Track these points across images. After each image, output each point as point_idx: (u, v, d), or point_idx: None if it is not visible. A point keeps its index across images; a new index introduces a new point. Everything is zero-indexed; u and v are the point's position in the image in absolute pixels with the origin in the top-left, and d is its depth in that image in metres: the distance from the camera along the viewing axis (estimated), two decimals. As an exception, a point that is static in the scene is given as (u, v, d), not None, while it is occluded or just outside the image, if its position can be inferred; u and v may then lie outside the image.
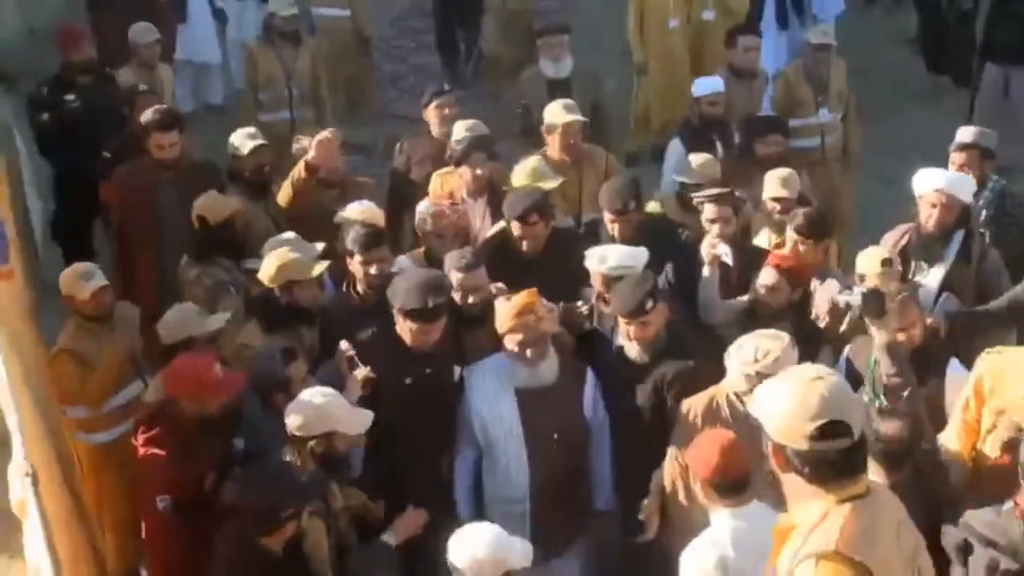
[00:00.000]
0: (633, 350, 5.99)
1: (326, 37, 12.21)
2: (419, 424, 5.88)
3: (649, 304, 5.84)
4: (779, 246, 7.29)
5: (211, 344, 6.45)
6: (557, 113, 8.15)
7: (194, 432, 5.82)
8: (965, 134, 7.70)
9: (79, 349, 6.64)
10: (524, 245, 6.92)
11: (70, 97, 9.30)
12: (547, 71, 9.68)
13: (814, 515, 3.47)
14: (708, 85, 9.16)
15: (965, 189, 7.06)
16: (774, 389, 3.54)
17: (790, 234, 6.93)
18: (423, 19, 14.52)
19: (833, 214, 7.96)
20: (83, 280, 6.69)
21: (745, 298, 6.78)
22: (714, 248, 6.91)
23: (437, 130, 8.58)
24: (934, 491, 5.09)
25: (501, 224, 7.20)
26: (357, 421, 5.58)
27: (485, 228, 7.73)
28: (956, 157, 7.56)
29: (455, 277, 6.17)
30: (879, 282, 6.31)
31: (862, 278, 6.49)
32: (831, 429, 3.30)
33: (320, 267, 6.79)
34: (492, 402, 5.71)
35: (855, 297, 5.68)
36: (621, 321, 6.00)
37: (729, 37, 10.01)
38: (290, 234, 7.01)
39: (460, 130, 7.95)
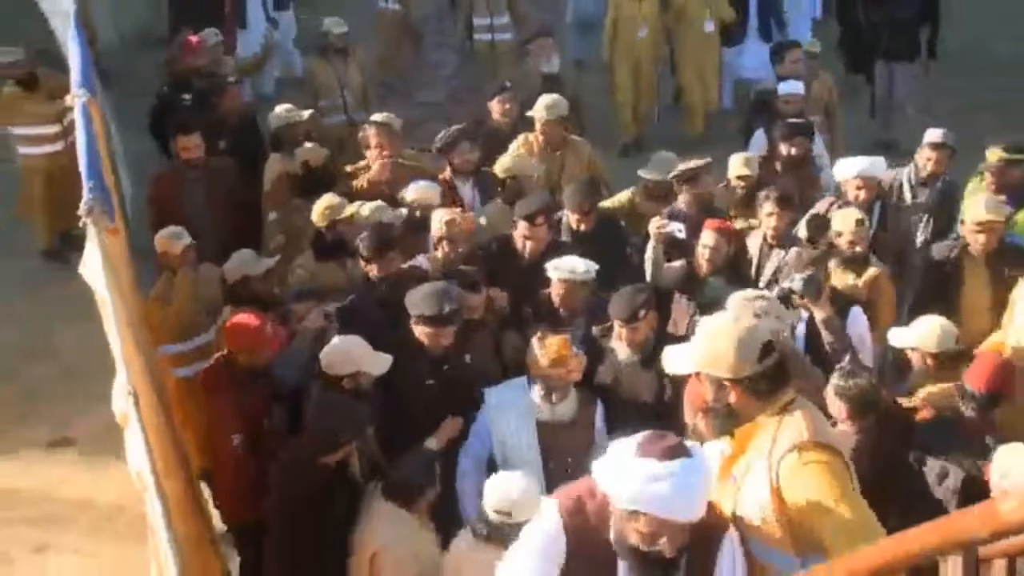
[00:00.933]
0: (623, 352, 6.13)
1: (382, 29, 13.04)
2: (437, 419, 5.94)
3: (642, 312, 6.02)
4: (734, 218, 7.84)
5: (264, 280, 7.06)
6: (540, 109, 8.61)
7: (248, 379, 6.20)
8: (935, 135, 8.25)
9: (167, 297, 7.20)
10: (527, 247, 7.10)
11: (186, 96, 9.91)
12: (541, 67, 10.45)
13: (770, 423, 3.81)
14: (790, 87, 9.45)
15: (879, 169, 7.89)
16: (710, 343, 3.88)
17: (767, 206, 7.21)
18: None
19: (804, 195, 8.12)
20: (175, 239, 7.29)
21: (683, 261, 7.15)
22: (660, 227, 7.19)
23: (499, 119, 9.22)
24: (892, 433, 5.40)
25: (502, 234, 7.42)
26: (378, 362, 5.91)
27: (475, 203, 8.37)
28: (928, 153, 8.25)
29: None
30: (854, 237, 6.97)
31: (839, 234, 7.05)
32: (767, 349, 3.74)
33: (352, 208, 7.48)
34: (513, 429, 5.71)
35: (797, 283, 6.14)
36: (616, 324, 6.13)
37: (776, 51, 10.40)
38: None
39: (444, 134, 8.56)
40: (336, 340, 6.06)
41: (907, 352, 6.20)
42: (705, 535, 3.62)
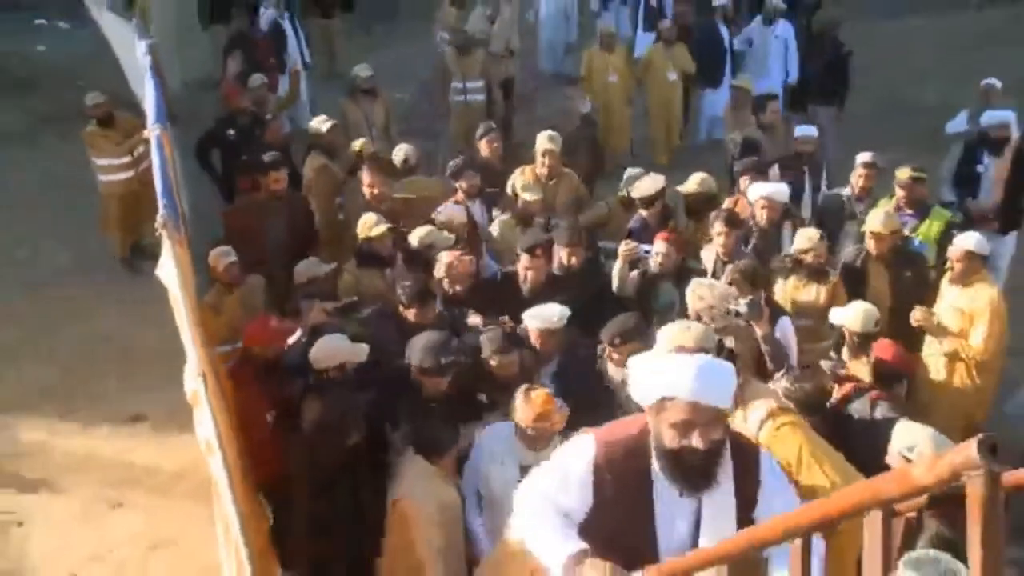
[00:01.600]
0: (615, 371, 5.99)
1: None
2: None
3: (628, 336, 5.89)
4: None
5: (325, 280, 7.30)
6: (543, 142, 8.81)
7: (264, 368, 6.41)
8: (865, 156, 8.60)
9: (218, 307, 7.47)
10: (528, 277, 6.98)
11: (231, 132, 10.23)
12: (579, 108, 10.86)
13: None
14: (805, 130, 9.52)
15: (783, 195, 8.02)
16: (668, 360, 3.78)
17: (716, 226, 7.31)
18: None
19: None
20: (223, 256, 7.57)
21: (635, 271, 7.25)
22: (628, 249, 7.27)
23: (488, 155, 9.41)
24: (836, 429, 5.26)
25: (506, 269, 7.35)
26: (357, 351, 6.10)
27: (484, 221, 8.59)
28: (860, 171, 8.55)
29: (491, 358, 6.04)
30: (818, 250, 7.19)
31: (806, 251, 7.23)
32: (721, 347, 4.05)
33: (380, 229, 7.56)
34: (498, 471, 5.40)
35: (742, 307, 6.10)
36: (607, 347, 6.03)
37: (758, 103, 10.46)
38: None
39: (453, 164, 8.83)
40: (321, 340, 6.19)
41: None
42: (743, 450, 3.42)
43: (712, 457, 3.20)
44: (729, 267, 6.83)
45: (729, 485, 3.31)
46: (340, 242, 8.71)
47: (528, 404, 5.31)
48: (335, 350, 6.13)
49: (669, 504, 3.32)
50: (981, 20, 15.33)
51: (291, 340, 6.74)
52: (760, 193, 8.02)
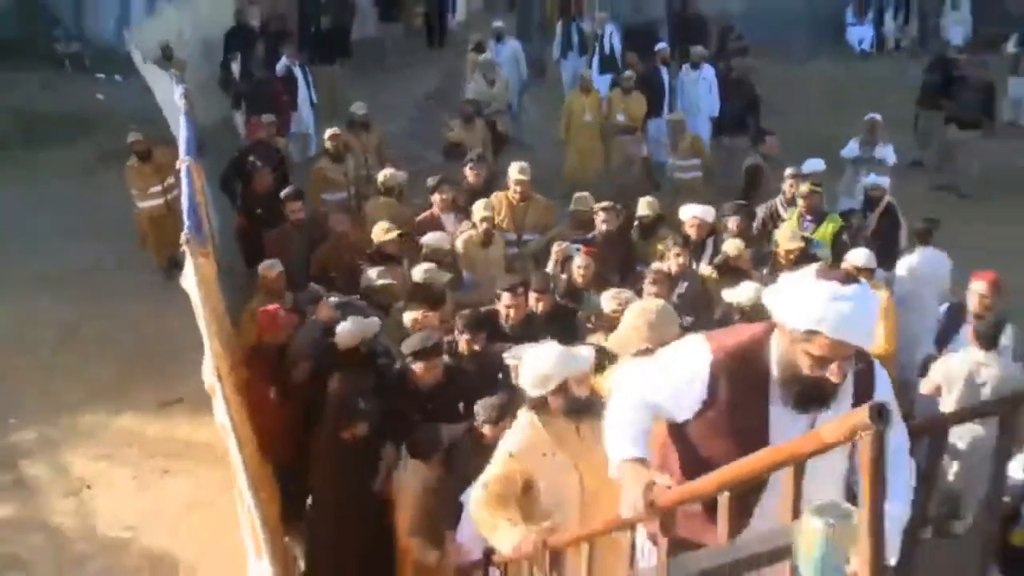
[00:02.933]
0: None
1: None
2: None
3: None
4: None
5: (383, 290, 6.83)
6: (515, 173, 8.37)
7: (272, 352, 6.21)
8: (790, 170, 8.66)
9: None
10: (509, 314, 6.22)
11: (251, 159, 9.73)
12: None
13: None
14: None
15: (710, 215, 7.76)
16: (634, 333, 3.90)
17: (671, 246, 7.12)
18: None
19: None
20: (271, 268, 7.19)
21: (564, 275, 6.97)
22: (560, 249, 7.12)
23: (473, 181, 8.84)
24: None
25: (491, 307, 6.38)
26: (370, 325, 5.99)
27: (458, 231, 8.00)
28: (789, 181, 8.57)
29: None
30: (742, 255, 7.06)
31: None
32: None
33: (391, 235, 7.33)
34: None
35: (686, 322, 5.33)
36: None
37: (758, 134, 10.43)
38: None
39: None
40: (342, 325, 5.94)
41: None
42: (864, 368, 2.78)
43: (839, 386, 2.64)
44: (681, 281, 6.63)
45: (848, 402, 2.70)
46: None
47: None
48: (356, 330, 5.92)
49: (783, 414, 2.71)
50: (866, 68, 15.54)
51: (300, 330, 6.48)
52: (692, 213, 7.79)
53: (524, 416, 3.84)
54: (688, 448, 2.89)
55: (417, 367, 5.47)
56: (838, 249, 7.63)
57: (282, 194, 8.49)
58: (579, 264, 6.95)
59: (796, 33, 15.73)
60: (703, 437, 2.83)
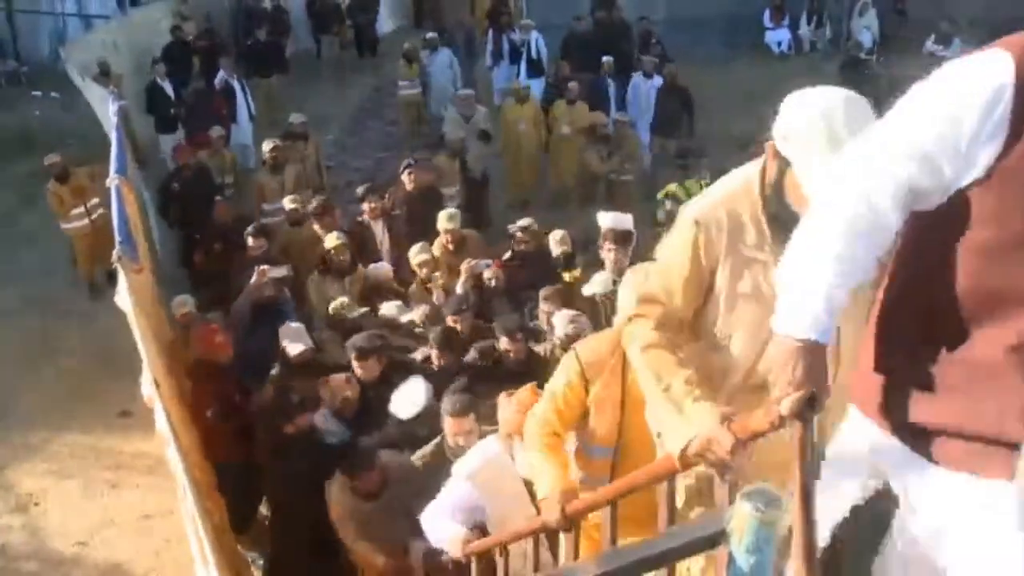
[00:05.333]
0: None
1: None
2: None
3: None
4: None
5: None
6: (443, 222, 7.69)
7: (213, 371, 6.02)
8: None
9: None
10: (510, 357, 5.68)
11: (175, 185, 9.48)
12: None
13: None
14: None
15: (629, 222, 7.13)
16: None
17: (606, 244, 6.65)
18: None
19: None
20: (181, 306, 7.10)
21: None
22: (470, 266, 6.98)
23: (410, 187, 8.67)
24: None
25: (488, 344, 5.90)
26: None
27: (384, 241, 7.99)
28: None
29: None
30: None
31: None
32: None
33: (335, 242, 7.23)
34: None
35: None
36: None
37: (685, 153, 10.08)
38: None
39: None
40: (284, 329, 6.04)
41: None
42: None
43: None
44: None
45: None
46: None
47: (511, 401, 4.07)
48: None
49: None
50: (785, 68, 15.74)
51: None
52: (607, 222, 7.37)
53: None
54: (946, 274, 1.64)
55: (357, 366, 5.56)
56: None
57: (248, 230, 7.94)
58: (488, 276, 6.98)
59: (716, 37, 15.87)
60: (993, 229, 1.59)
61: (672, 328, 2.32)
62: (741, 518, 1.97)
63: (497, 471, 3.61)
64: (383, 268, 7.54)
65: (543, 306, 6.25)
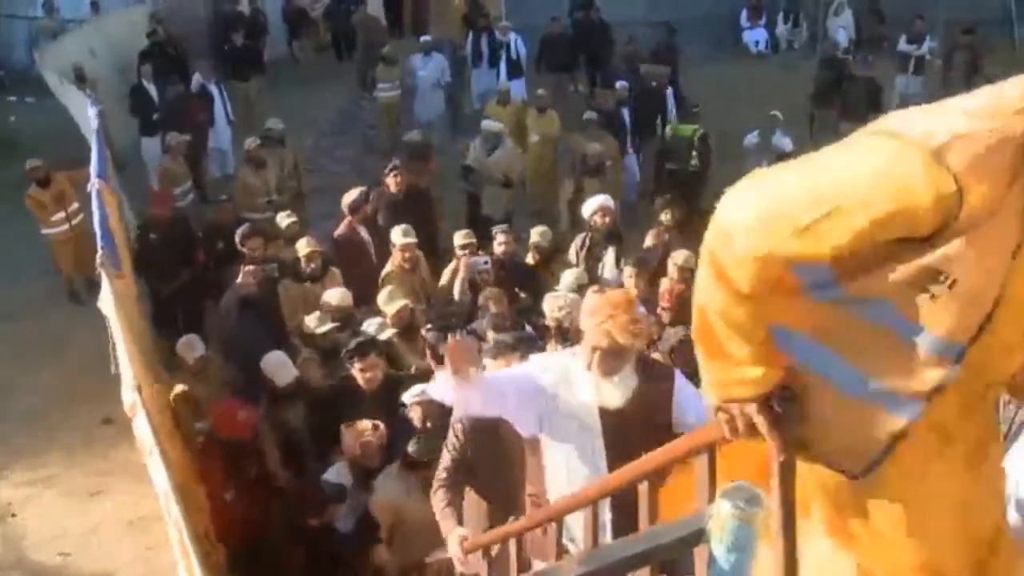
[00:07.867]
0: None
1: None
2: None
3: None
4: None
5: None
6: (397, 235, 7.47)
7: (231, 450, 5.41)
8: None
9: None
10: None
11: (154, 236, 8.52)
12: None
13: None
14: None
15: (614, 206, 7.95)
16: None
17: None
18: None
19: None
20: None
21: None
22: (469, 262, 7.05)
23: (394, 189, 8.65)
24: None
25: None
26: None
27: (370, 244, 7.97)
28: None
29: None
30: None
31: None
32: None
33: (306, 250, 7.35)
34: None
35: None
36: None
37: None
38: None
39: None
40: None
41: None
42: None
43: None
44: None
45: None
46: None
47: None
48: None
49: None
50: (762, 68, 15.92)
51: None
52: (594, 204, 7.88)
53: None
54: None
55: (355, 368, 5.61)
56: None
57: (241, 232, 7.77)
58: (462, 275, 7.13)
59: (695, 37, 15.94)
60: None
61: None
62: (721, 517, 1.99)
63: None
64: (338, 294, 6.98)
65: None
